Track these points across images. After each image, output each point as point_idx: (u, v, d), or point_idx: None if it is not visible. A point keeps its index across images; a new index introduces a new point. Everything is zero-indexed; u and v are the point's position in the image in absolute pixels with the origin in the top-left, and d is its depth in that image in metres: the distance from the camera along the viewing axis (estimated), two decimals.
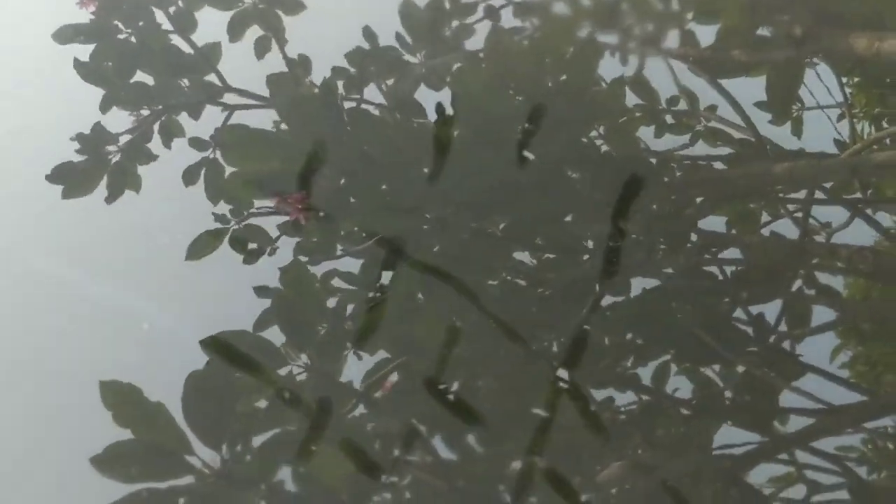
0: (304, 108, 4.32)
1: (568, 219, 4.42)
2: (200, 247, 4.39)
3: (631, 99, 4.81)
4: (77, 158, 4.88)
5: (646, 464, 4.03)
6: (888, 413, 4.26)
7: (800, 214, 4.88)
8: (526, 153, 4.17)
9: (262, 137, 4.30)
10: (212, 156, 4.77)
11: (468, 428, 3.92)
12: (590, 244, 4.35)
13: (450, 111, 4.23)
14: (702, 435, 4.22)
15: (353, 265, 4.31)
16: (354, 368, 3.99)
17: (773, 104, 4.75)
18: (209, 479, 3.58)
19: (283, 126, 4.46)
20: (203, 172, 4.74)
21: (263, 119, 4.63)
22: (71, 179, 4.80)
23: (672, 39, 4.98)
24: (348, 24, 4.91)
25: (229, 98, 4.94)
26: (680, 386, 4.37)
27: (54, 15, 5.06)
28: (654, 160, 4.60)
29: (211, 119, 4.94)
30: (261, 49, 4.97)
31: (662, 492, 3.92)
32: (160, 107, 4.95)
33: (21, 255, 4.69)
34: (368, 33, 4.82)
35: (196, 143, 4.82)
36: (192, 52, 5.05)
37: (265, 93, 4.72)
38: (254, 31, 5.04)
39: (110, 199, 4.80)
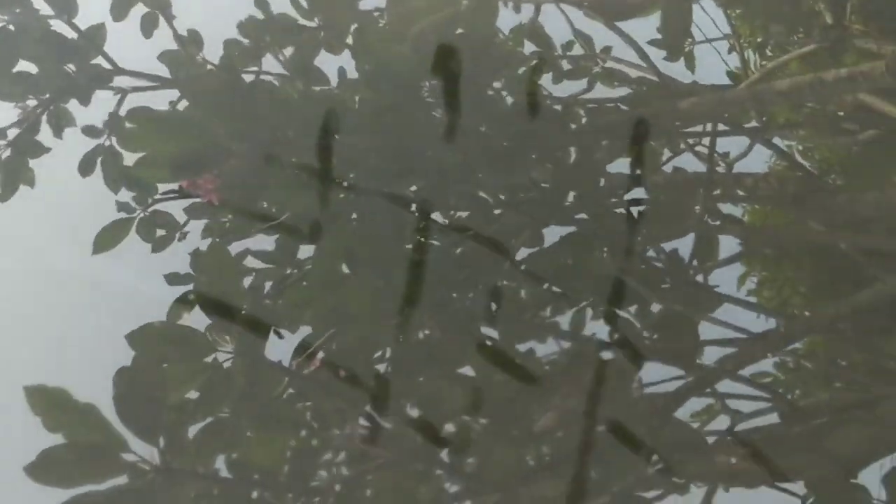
0: (207, 85, 4.20)
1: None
2: (107, 238, 4.26)
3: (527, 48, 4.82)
4: None
5: (579, 411, 4.07)
6: (804, 335, 4.38)
7: (700, 148, 4.97)
8: (435, 112, 4.14)
9: (166, 119, 4.17)
10: (107, 143, 4.61)
11: (400, 399, 3.93)
12: (502, 199, 4.34)
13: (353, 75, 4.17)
14: (627, 377, 4.27)
15: (267, 243, 4.25)
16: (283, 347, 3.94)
17: (668, 41, 4.81)
18: (149, 474, 3.51)
19: (181, 106, 4.33)
20: (100, 161, 4.57)
21: (154, 101, 4.50)
22: None
23: None
24: None
25: (120, 81, 4.76)
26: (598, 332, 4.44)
27: None
28: (558, 107, 4.61)
29: (104, 105, 4.76)
30: (148, 26, 4.80)
31: (597, 437, 3.98)
32: (47, 96, 4.75)
33: None
34: (260, 2, 4.69)
35: (89, 130, 4.65)
36: (75, 36, 4.85)
37: (158, 74, 4.56)
38: (139, 10, 4.85)
39: (3, 196, 4.62)
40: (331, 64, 4.42)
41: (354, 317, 3.80)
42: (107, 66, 4.78)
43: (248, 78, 4.45)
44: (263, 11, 4.69)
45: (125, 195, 4.36)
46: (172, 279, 4.13)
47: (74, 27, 4.85)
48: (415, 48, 4.24)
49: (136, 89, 4.71)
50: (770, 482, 4.11)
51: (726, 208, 5.00)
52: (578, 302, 4.35)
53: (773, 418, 4.39)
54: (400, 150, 4.15)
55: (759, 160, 5.17)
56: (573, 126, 4.58)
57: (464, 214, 4.43)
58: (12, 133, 4.72)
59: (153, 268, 4.23)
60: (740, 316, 4.78)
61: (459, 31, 4.59)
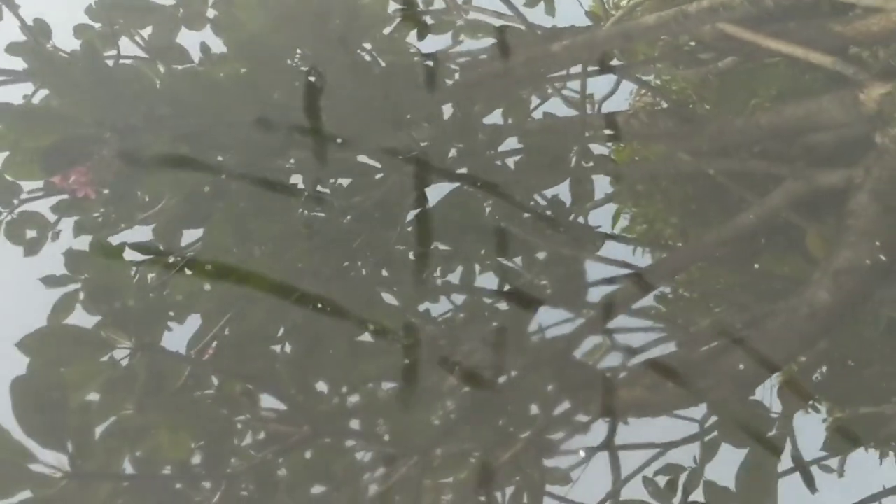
0: (69, 74, 4.00)
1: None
2: None
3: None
4: None
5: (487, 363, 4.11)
6: (690, 264, 4.49)
7: (568, 92, 5.03)
8: (309, 78, 4.07)
9: (30, 113, 3.96)
10: None
11: (303, 374, 3.90)
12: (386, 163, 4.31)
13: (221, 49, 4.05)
14: (521, 324, 4.32)
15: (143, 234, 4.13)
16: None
17: None
18: (61, 481, 3.40)
19: (37, 99, 4.14)
20: None
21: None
22: None
23: None
24: None
25: None
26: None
27: None
28: (430, 63, 4.59)
29: None
30: None
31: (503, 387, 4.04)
32: None
33: None
34: None
35: None
36: None
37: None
38: None
39: None
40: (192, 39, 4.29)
41: (254, 298, 3.73)
42: None
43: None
44: None
45: None
46: (50, 281, 3.98)
47: None
48: (281, 16, 4.14)
49: None
50: (672, 410, 4.25)
51: (596, 149, 5.10)
52: (467, 257, 4.38)
53: (664, 350, 4.54)
54: (276, 123, 4.06)
55: (622, 99, 5.30)
56: (447, 82, 4.57)
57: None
58: None
59: None
60: (618, 254, 4.92)
61: None
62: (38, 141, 3.87)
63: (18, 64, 4.30)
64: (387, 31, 4.63)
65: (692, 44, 5.33)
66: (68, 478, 3.41)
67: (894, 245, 4.11)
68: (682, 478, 4.27)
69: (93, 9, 4.47)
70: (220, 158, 4.04)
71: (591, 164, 4.94)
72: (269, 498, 3.77)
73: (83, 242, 4.09)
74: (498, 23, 4.86)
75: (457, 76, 4.67)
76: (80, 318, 3.84)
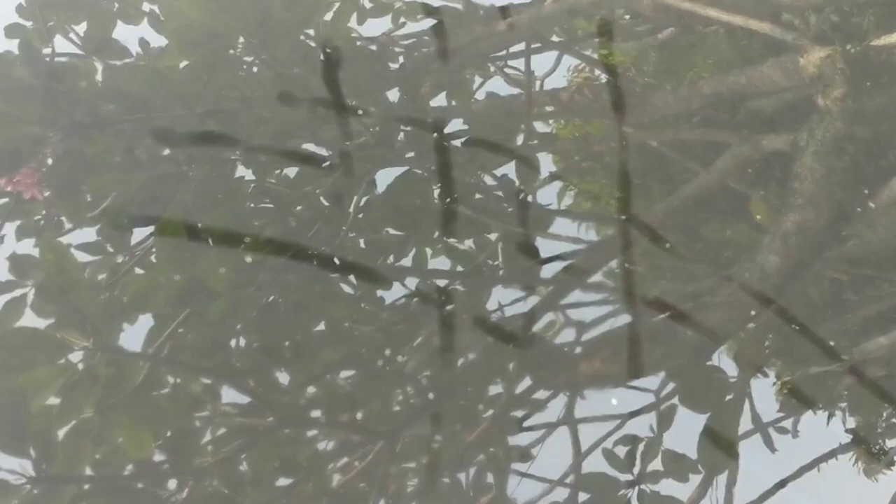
0: (8, 74, 3.91)
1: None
2: None
3: None
4: None
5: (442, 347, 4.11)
6: (639, 237, 4.51)
7: (511, 70, 5.03)
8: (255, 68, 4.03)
9: None
10: None
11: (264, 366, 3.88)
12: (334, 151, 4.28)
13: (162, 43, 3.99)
14: (476, 304, 4.32)
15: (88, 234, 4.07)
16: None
17: None
18: (25, 486, 3.35)
19: None
20: None
21: None
22: None
23: None
24: None
25: None
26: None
27: None
28: (374, 48, 4.56)
29: None
30: None
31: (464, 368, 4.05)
32: None
33: None
34: None
35: None
36: None
37: None
38: None
39: None
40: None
41: (214, 292, 3.68)
42: None
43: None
44: None
45: None
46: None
47: None
48: (222, 5, 4.08)
49: None
50: (631, 380, 4.29)
51: (539, 127, 5.11)
52: (419, 240, 4.37)
53: (618, 322, 4.58)
54: (222, 115, 4.01)
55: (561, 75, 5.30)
56: (393, 66, 4.55)
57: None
58: None
59: None
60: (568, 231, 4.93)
61: None
62: None
63: None
64: (328, 16, 4.60)
65: (627, 17, 5.38)
66: (32, 483, 3.37)
67: (839, 206, 4.20)
68: (641, 448, 4.33)
69: (24, 7, 4.35)
70: (166, 153, 3.98)
71: (536, 142, 4.94)
72: (236, 492, 3.74)
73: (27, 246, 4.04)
74: (437, 3, 4.82)
75: (401, 60, 4.65)
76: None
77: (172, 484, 3.67)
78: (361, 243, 4.25)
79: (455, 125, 4.66)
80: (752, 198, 4.60)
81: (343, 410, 3.92)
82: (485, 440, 4.01)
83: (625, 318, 4.45)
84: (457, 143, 4.61)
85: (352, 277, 4.14)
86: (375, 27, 4.81)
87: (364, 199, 4.23)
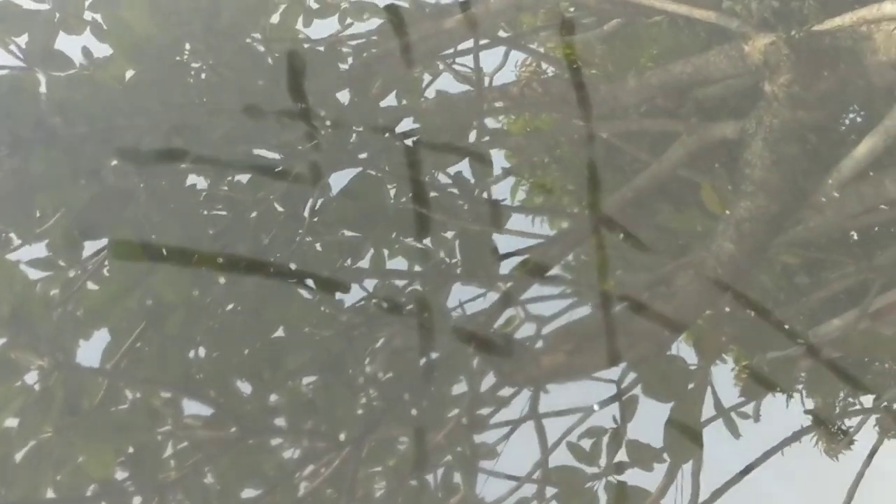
0: None
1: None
2: None
3: None
4: None
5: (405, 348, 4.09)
6: (596, 229, 4.52)
7: (460, 67, 5.02)
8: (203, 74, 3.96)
9: None
10: None
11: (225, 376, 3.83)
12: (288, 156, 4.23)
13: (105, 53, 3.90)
14: (439, 304, 4.30)
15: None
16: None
17: None
18: None
19: None
20: None
21: None
22: None
23: None
24: None
25: None
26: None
27: None
28: (321, 49, 4.50)
29: None
30: None
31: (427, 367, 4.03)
32: None
33: None
34: None
35: None
36: None
37: None
38: None
39: None
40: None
41: (172, 305, 3.61)
42: None
43: None
44: None
45: None
46: None
47: None
48: (167, 12, 3.99)
49: None
50: (593, 372, 4.30)
51: (490, 123, 5.11)
52: (377, 241, 4.34)
53: (577, 315, 4.58)
54: (171, 122, 3.93)
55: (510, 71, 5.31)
56: (342, 66, 4.50)
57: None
58: None
59: None
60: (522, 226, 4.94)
61: None
62: None
63: None
64: (275, 18, 4.54)
65: (572, 10, 5.39)
66: None
67: (789, 192, 4.24)
68: (605, 439, 4.34)
69: None
70: (114, 163, 3.90)
71: (488, 138, 4.93)
72: None
73: None
74: (383, 2, 4.78)
75: (350, 60, 4.60)
76: None
77: (137, 501, 3.62)
78: (318, 247, 4.21)
79: (407, 124, 4.65)
80: (702, 185, 4.63)
81: (307, 417, 3.88)
82: (451, 440, 4.00)
83: (584, 312, 4.47)
84: (409, 142, 4.59)
85: (309, 282, 4.09)
86: (323, 29, 4.77)
87: (319, 202, 4.18)
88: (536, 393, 4.36)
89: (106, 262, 3.87)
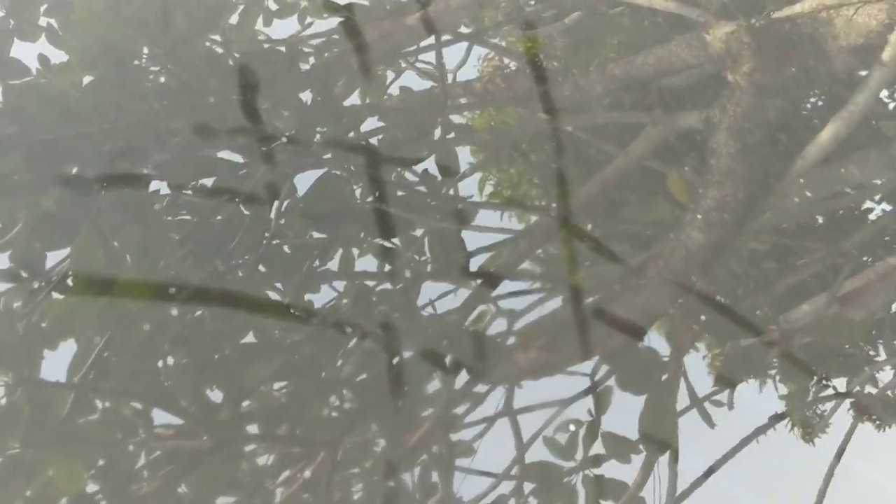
0: None
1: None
2: None
3: None
4: None
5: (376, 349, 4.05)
6: (564, 222, 4.50)
7: (421, 64, 5.00)
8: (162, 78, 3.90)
9: None
10: None
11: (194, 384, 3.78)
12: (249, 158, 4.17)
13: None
14: (409, 303, 4.27)
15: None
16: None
17: None
18: None
19: None
20: None
21: None
22: None
23: None
24: None
25: None
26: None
27: None
28: (282, 49, 4.45)
29: None
30: None
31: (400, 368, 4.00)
32: None
33: None
34: None
35: None
36: None
37: None
38: None
39: None
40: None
41: (134, 313, 3.55)
42: None
43: None
44: None
45: None
46: None
47: None
48: (123, 16, 3.92)
49: None
50: (567, 367, 4.28)
51: (455, 119, 5.08)
52: (345, 242, 4.30)
53: (548, 309, 4.56)
54: (130, 128, 3.87)
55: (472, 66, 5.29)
56: (305, 66, 4.45)
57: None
58: None
59: None
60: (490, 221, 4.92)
61: None
62: None
63: None
64: (233, 19, 4.48)
65: (532, 2, 5.37)
66: None
67: (755, 179, 4.24)
68: (581, 432, 4.33)
69: None
70: (74, 171, 3.83)
71: (453, 134, 4.90)
72: None
73: None
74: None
75: (312, 60, 4.56)
76: None
77: None
78: (286, 248, 4.17)
79: (371, 123, 4.62)
80: (669, 175, 4.62)
81: (280, 422, 3.83)
82: (427, 440, 3.97)
83: (555, 306, 4.45)
84: (374, 140, 4.56)
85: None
86: (283, 29, 4.72)
87: (285, 203, 4.14)
88: (510, 389, 4.34)
89: (69, 274, 3.80)
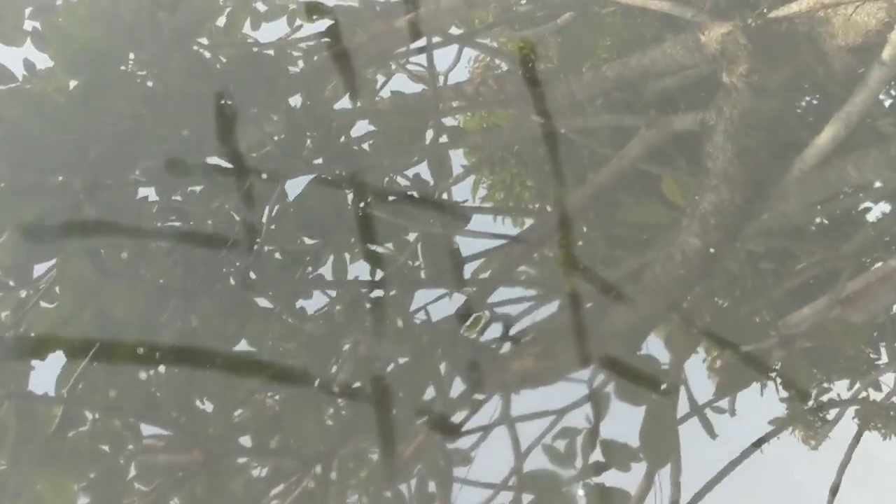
0: None
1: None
2: None
3: None
4: None
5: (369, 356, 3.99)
6: (561, 226, 4.44)
7: (413, 67, 4.94)
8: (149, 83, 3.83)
9: None
10: None
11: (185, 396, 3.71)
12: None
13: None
14: (402, 310, 4.21)
15: None
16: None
17: None
18: None
19: None
20: None
21: None
22: None
23: None
24: None
25: None
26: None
27: None
28: (270, 52, 4.39)
29: None
30: None
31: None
32: None
33: None
34: None
35: None
36: None
37: None
38: None
39: None
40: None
41: (123, 323, 3.47)
42: None
43: None
44: None
45: None
46: None
47: None
48: (110, 21, 3.85)
49: None
50: (564, 375, 4.22)
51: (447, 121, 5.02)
52: (336, 246, 4.23)
53: (543, 315, 4.50)
54: (117, 135, 3.80)
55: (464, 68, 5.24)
56: (295, 70, 4.38)
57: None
58: None
59: None
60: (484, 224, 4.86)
61: None
62: None
63: None
64: (221, 22, 4.41)
65: (523, 2, 5.31)
66: None
67: (753, 183, 4.19)
68: (580, 440, 4.27)
69: None
70: (60, 179, 3.76)
71: (445, 137, 4.84)
72: None
73: None
74: (332, 2, 4.66)
75: (301, 64, 4.48)
76: None
77: None
78: (277, 255, 4.10)
79: (362, 127, 4.56)
80: (663, 178, 4.57)
81: (274, 434, 3.77)
82: (424, 449, 3.90)
83: (550, 312, 4.39)
84: (365, 145, 4.49)
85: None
86: (272, 32, 4.65)
87: (276, 209, 4.07)
88: (507, 398, 4.28)
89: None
